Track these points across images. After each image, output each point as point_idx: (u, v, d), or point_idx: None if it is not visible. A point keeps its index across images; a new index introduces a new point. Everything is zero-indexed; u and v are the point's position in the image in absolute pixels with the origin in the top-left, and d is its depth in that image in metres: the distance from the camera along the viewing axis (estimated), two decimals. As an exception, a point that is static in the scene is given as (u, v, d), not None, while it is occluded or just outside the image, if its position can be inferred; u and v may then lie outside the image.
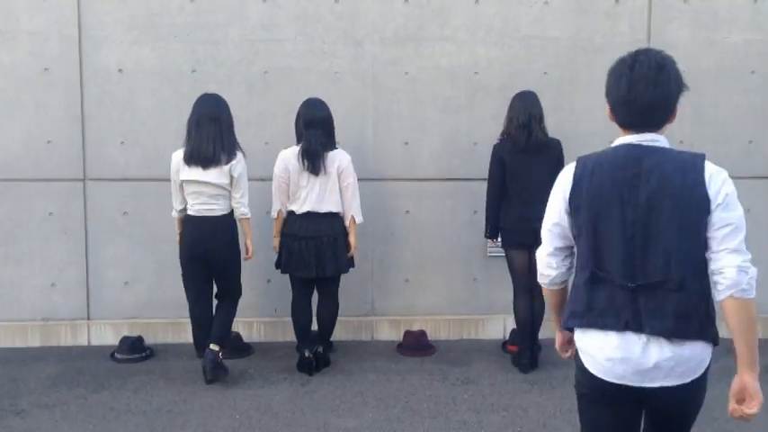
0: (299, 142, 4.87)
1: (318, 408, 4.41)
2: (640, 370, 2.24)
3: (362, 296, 5.66)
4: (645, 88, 2.26)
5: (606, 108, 2.39)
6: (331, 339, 5.28)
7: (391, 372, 5.01)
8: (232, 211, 4.72)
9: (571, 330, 2.43)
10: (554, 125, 5.14)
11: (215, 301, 4.90)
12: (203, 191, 4.62)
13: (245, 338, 5.46)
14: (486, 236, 5.11)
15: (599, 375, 2.29)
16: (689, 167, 2.23)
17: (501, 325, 5.68)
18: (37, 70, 5.37)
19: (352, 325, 5.64)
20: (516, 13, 5.50)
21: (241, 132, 4.87)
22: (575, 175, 2.37)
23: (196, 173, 4.59)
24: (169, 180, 4.74)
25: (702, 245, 2.23)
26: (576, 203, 2.34)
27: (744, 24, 5.55)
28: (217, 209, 4.66)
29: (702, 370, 2.31)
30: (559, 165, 4.89)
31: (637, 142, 2.30)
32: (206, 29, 5.41)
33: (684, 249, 2.22)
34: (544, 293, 2.59)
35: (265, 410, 4.37)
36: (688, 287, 2.22)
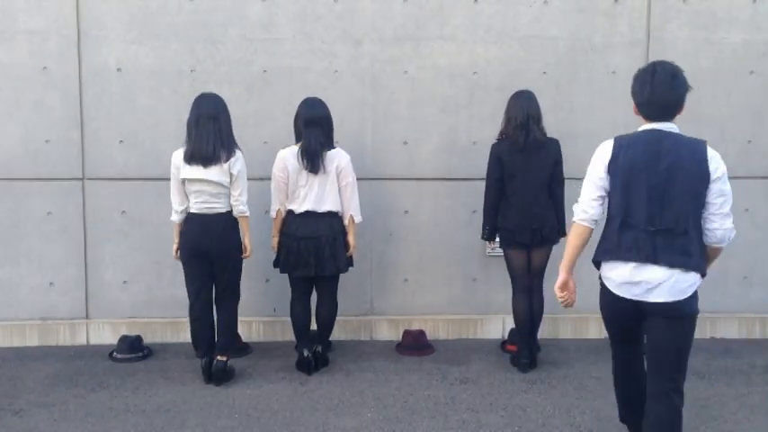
0: (298, 141, 4.87)
1: (317, 407, 4.41)
2: (648, 287, 3.22)
3: (361, 296, 5.66)
4: (663, 92, 3.20)
5: (632, 104, 3.31)
6: (330, 339, 5.27)
7: (390, 371, 5.01)
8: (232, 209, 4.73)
9: (597, 264, 3.45)
10: (553, 125, 5.15)
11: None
12: (205, 189, 4.62)
13: (244, 338, 5.46)
14: (483, 238, 5.10)
15: (617, 293, 3.32)
16: (695, 149, 3.19)
17: (500, 324, 5.68)
18: (36, 69, 5.37)
19: (350, 324, 5.64)
20: (515, 13, 5.50)
21: (240, 131, 4.87)
22: (614, 149, 3.29)
23: (197, 171, 4.59)
24: (168, 179, 4.73)
25: (701, 205, 3.18)
26: (613, 169, 3.26)
27: (743, 24, 5.55)
28: (218, 207, 4.66)
29: (691, 293, 3.22)
30: (557, 165, 4.89)
31: (658, 128, 3.23)
32: (205, 28, 5.41)
33: (690, 208, 3.18)
34: (573, 233, 3.44)
35: (264, 410, 4.37)
36: (689, 233, 3.18)
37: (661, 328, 3.24)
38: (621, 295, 3.29)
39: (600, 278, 3.44)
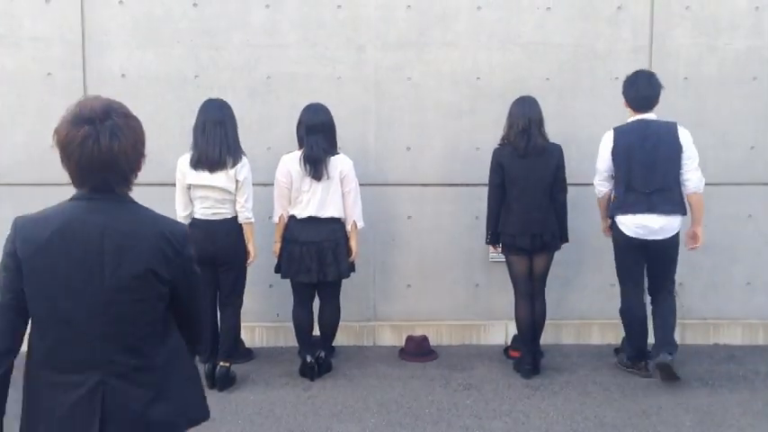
0: (300, 148, 4.88)
1: (320, 413, 4.41)
2: (651, 231, 4.66)
3: (364, 301, 5.66)
4: (645, 89, 4.74)
5: (623, 101, 4.83)
6: (333, 344, 5.28)
7: (393, 377, 5.01)
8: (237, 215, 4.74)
9: (611, 217, 4.84)
10: (556, 131, 5.15)
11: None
12: (210, 195, 4.64)
13: (247, 343, 5.46)
14: (486, 242, 5.11)
15: (630, 235, 4.71)
16: (671, 130, 4.70)
17: (503, 330, 5.68)
18: (40, 75, 5.39)
19: (353, 330, 5.64)
20: (518, 20, 5.51)
21: (243, 137, 4.89)
22: (614, 137, 4.75)
23: (203, 177, 4.61)
24: (171, 185, 4.74)
25: (679, 167, 4.67)
26: (615, 152, 4.72)
27: (745, 31, 5.56)
28: (224, 212, 4.68)
29: (678, 229, 4.71)
30: (559, 170, 4.91)
31: (643, 118, 4.74)
32: (209, 34, 5.43)
33: (672, 171, 4.67)
34: (599, 201, 4.98)
35: (267, 415, 4.37)
36: (673, 189, 4.66)
37: (660, 255, 4.77)
38: (632, 236, 4.70)
39: (615, 226, 4.82)
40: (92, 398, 2.05)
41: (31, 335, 2.15)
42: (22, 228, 2.10)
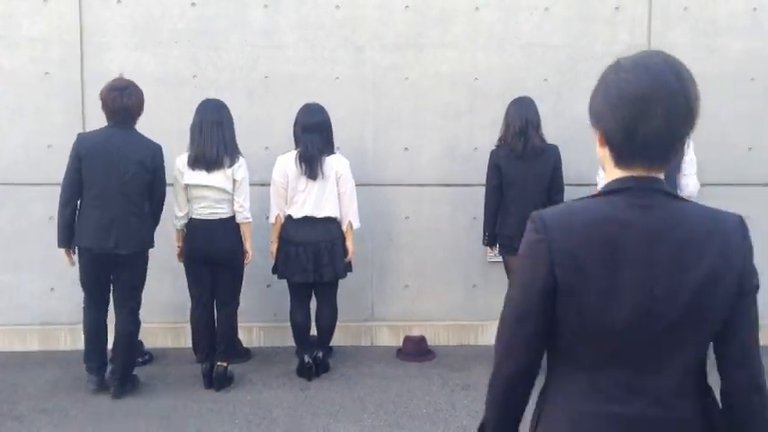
0: (297, 147, 4.88)
1: (318, 413, 4.41)
2: None
3: (362, 301, 5.66)
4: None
5: None
6: (330, 345, 5.28)
7: (390, 377, 5.01)
8: (234, 215, 4.74)
9: None
10: (554, 132, 5.16)
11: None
12: (207, 195, 4.64)
13: (245, 343, 5.45)
14: (484, 243, 5.11)
15: None
16: None
17: (500, 331, 5.67)
18: (38, 75, 5.39)
19: (351, 330, 5.65)
20: (517, 20, 5.52)
21: (242, 137, 4.89)
22: None
23: (200, 176, 4.61)
24: (169, 184, 4.74)
25: (679, 170, 4.92)
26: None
27: (743, 32, 5.57)
28: (221, 212, 4.68)
29: None
30: (556, 171, 4.92)
31: None
32: (207, 34, 5.43)
33: (674, 173, 4.88)
34: None
35: (265, 416, 4.37)
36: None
37: None
38: None
39: None
40: (110, 226, 4.38)
41: (83, 193, 4.42)
42: (82, 140, 4.47)
